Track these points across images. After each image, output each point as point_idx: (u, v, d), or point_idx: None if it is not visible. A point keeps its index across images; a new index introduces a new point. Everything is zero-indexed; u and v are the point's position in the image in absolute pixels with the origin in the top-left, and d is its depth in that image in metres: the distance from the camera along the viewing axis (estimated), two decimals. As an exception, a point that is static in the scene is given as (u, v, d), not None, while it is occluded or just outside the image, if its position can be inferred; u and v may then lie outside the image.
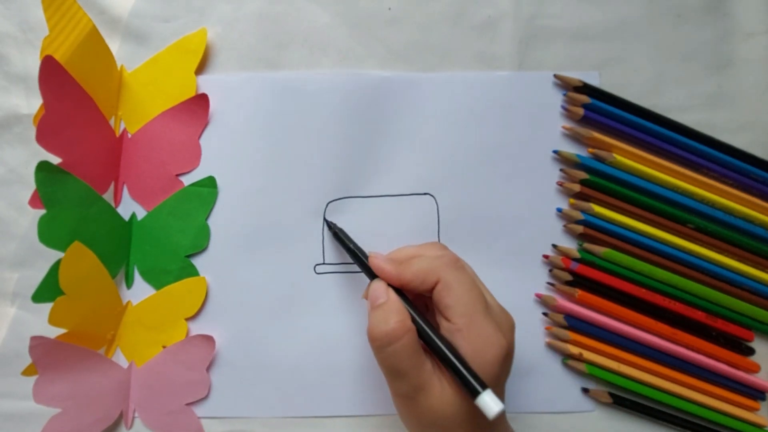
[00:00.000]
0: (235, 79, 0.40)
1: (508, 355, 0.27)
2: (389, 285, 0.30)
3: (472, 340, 0.27)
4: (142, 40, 0.40)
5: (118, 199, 0.38)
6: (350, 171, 0.39)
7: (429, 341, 0.28)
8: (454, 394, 0.27)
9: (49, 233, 0.32)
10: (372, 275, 0.31)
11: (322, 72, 0.40)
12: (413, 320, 0.28)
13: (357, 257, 0.33)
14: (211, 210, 0.38)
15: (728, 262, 0.38)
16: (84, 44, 0.35)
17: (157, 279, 0.37)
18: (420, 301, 0.31)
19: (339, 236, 0.35)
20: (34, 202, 0.32)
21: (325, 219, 0.37)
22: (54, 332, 0.33)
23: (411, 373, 0.27)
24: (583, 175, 0.38)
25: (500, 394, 0.29)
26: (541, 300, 0.38)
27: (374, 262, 0.31)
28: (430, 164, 0.39)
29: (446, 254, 0.30)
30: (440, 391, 0.27)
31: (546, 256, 0.38)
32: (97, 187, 0.36)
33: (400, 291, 0.30)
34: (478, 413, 0.26)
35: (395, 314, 0.28)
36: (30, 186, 0.32)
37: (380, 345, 0.28)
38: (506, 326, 0.29)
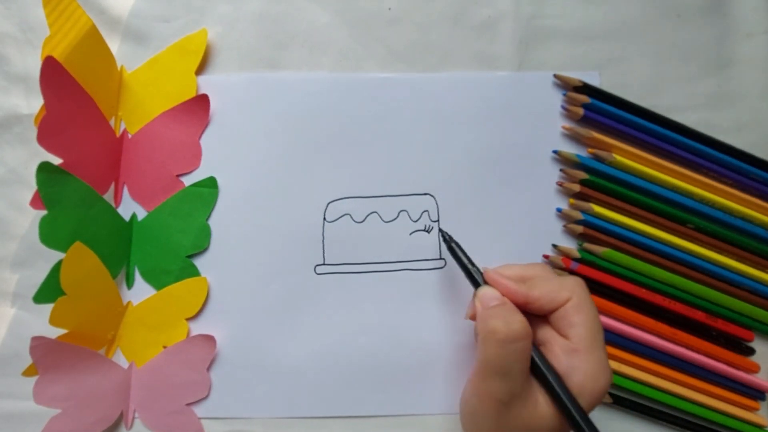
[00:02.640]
0: (235, 79, 0.40)
1: (607, 390, 0.28)
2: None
3: (590, 363, 0.27)
4: (142, 40, 0.40)
5: (119, 200, 0.38)
6: (350, 171, 0.39)
7: (536, 363, 0.28)
8: (550, 412, 0.27)
9: (50, 234, 0.32)
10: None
11: (322, 72, 0.40)
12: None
13: (470, 274, 0.32)
14: (212, 210, 0.38)
15: (728, 262, 0.38)
16: (84, 44, 0.35)
17: (158, 279, 0.37)
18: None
19: (454, 251, 0.34)
20: (35, 202, 0.32)
21: (440, 230, 0.36)
22: (54, 332, 0.33)
23: (518, 377, 0.27)
24: (583, 175, 0.38)
25: None
26: (541, 300, 0.38)
27: (495, 278, 0.30)
28: (430, 164, 0.39)
29: (576, 278, 0.30)
30: (536, 404, 0.27)
31: (546, 256, 0.38)
32: (98, 187, 0.36)
33: None
34: None
35: (519, 315, 0.28)
36: (30, 186, 0.32)
37: (503, 339, 0.27)
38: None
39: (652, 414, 0.37)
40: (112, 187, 0.38)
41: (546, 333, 0.29)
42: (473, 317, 0.31)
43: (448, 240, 0.34)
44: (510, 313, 0.28)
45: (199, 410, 0.36)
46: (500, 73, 0.40)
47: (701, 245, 0.38)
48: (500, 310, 0.29)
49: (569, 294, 0.29)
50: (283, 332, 0.37)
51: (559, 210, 0.38)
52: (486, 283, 0.31)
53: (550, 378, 0.27)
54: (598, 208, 0.37)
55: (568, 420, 0.27)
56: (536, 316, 0.30)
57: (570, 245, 0.38)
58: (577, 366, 0.27)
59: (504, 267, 0.32)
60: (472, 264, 0.33)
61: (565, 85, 0.39)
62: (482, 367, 0.28)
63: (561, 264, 0.37)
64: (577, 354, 0.27)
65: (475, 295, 0.31)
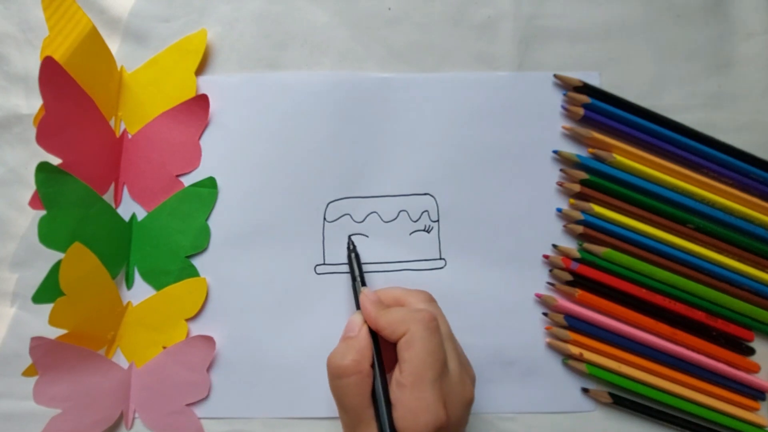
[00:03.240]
0: (235, 79, 0.40)
1: (442, 428, 0.27)
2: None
3: (411, 401, 0.27)
4: (142, 40, 0.40)
5: (119, 200, 0.38)
6: (350, 171, 0.39)
7: (374, 392, 0.29)
8: None
9: (50, 234, 0.32)
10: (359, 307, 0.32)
11: (322, 72, 0.40)
12: (374, 366, 0.29)
13: (354, 287, 0.34)
14: (212, 210, 0.38)
15: (728, 262, 0.38)
16: (84, 44, 0.35)
17: (158, 279, 0.37)
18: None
19: (351, 258, 0.36)
20: (34, 202, 0.32)
21: (350, 237, 0.37)
22: (54, 333, 0.33)
23: (352, 410, 0.29)
24: (583, 175, 0.38)
25: None
26: (541, 300, 0.38)
27: (362, 300, 0.32)
28: (430, 164, 0.39)
29: (425, 310, 0.30)
30: None
31: (546, 256, 0.38)
32: (98, 187, 0.36)
33: (376, 336, 0.31)
34: None
35: (355, 352, 0.29)
36: (30, 186, 0.32)
37: (331, 375, 0.29)
38: (457, 400, 0.29)
39: (652, 414, 0.37)
40: (112, 187, 0.38)
41: (396, 366, 0.30)
42: None
43: (350, 247, 0.36)
44: (348, 349, 0.30)
45: (199, 410, 0.36)
46: (500, 73, 0.40)
47: (701, 245, 0.38)
48: (343, 344, 0.30)
49: (405, 328, 0.29)
50: (283, 332, 0.37)
51: (559, 210, 0.38)
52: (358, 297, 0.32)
53: (380, 405, 0.28)
54: (598, 208, 0.37)
55: None
56: None
57: (570, 245, 0.38)
58: (400, 401, 0.28)
59: (389, 288, 0.33)
60: (362, 279, 0.34)
61: (565, 85, 0.39)
62: None
63: (561, 264, 0.37)
64: (403, 389, 0.28)
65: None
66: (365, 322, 0.31)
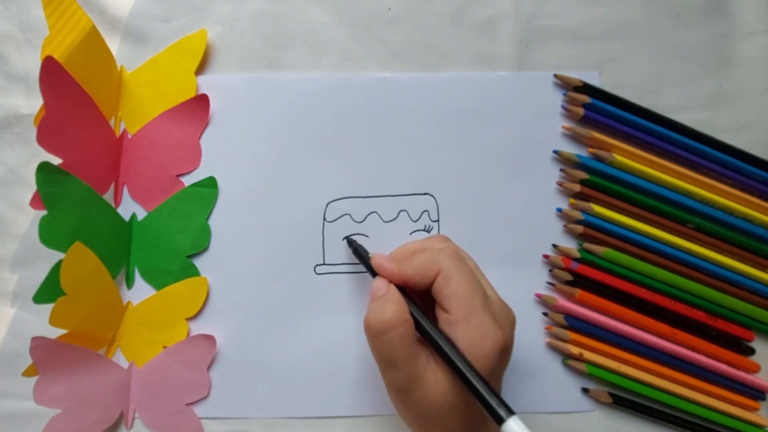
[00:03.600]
0: (235, 79, 0.40)
1: (504, 349, 0.27)
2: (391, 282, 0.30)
3: (469, 332, 0.27)
4: (142, 40, 0.40)
5: (119, 200, 0.38)
6: (350, 171, 0.39)
7: (427, 336, 0.28)
8: (448, 386, 0.27)
9: (50, 234, 0.32)
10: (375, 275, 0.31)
11: (322, 72, 0.40)
12: (411, 314, 0.29)
13: (362, 259, 0.33)
14: (212, 210, 0.38)
15: (728, 262, 0.38)
16: (84, 44, 0.35)
17: (158, 279, 0.37)
18: (426, 300, 0.31)
19: (356, 251, 0.35)
20: (35, 202, 0.32)
21: (348, 239, 0.37)
22: (54, 333, 0.33)
23: (405, 363, 0.27)
24: (583, 175, 0.38)
25: (497, 386, 0.29)
26: (541, 300, 0.38)
27: (375, 261, 0.31)
28: (430, 164, 0.39)
29: (448, 246, 0.30)
30: (434, 382, 0.27)
31: (546, 256, 0.38)
32: (98, 187, 0.36)
33: (403, 290, 0.30)
34: (471, 404, 0.26)
35: (393, 303, 0.28)
36: (30, 186, 0.32)
37: (375, 332, 0.28)
38: (505, 321, 0.29)
39: (652, 414, 0.37)
40: (112, 187, 0.38)
41: (437, 309, 0.29)
42: None
43: (353, 246, 0.35)
44: (382, 303, 0.28)
45: (199, 410, 0.36)
46: (500, 73, 0.40)
47: (701, 245, 0.38)
48: (377, 303, 0.29)
49: (438, 267, 0.29)
50: (283, 332, 0.37)
51: (559, 210, 0.38)
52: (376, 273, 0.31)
53: (442, 346, 0.27)
54: (598, 208, 0.37)
55: (465, 386, 0.26)
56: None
57: (570, 245, 0.38)
58: (458, 337, 0.27)
59: (401, 246, 0.33)
60: (365, 251, 0.34)
61: (565, 85, 0.39)
62: (376, 361, 0.29)
63: (561, 264, 0.37)
64: (456, 325, 0.27)
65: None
66: (383, 274, 0.30)
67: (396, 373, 0.28)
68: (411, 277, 0.29)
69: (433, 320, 0.29)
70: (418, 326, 0.28)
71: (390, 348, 0.28)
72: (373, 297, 0.30)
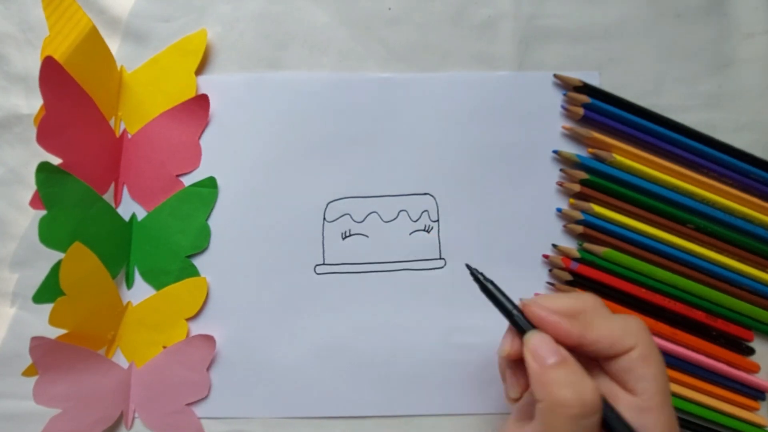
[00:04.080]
0: (235, 79, 0.40)
1: None
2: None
3: (662, 425, 0.24)
4: (142, 40, 0.40)
5: (119, 200, 0.38)
6: (350, 171, 0.39)
7: (615, 425, 0.24)
8: None
9: (50, 234, 0.32)
10: (521, 327, 0.27)
11: (322, 72, 0.40)
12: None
13: (507, 310, 0.28)
14: (212, 210, 0.38)
15: (728, 262, 0.38)
16: (84, 44, 0.35)
17: (158, 279, 0.37)
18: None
19: (488, 290, 0.29)
20: (34, 202, 0.32)
21: (468, 267, 0.30)
22: (54, 333, 0.33)
23: None
24: (583, 175, 0.38)
25: None
26: (541, 300, 0.38)
27: (543, 317, 0.26)
28: (430, 164, 0.39)
29: (638, 320, 0.26)
30: None
31: (546, 256, 0.38)
32: (98, 187, 0.36)
33: None
34: None
35: (590, 380, 0.24)
36: (30, 186, 0.32)
37: (578, 415, 0.23)
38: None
39: (652, 414, 0.37)
40: (112, 187, 0.38)
41: (604, 384, 0.25)
42: (511, 357, 0.27)
43: (481, 280, 0.29)
44: (579, 379, 0.24)
45: (199, 410, 0.36)
46: (500, 73, 0.40)
47: (701, 245, 0.38)
48: (565, 373, 0.24)
49: (635, 341, 0.25)
50: (283, 332, 0.37)
51: (559, 210, 0.38)
52: (530, 324, 0.26)
53: None
54: (598, 208, 0.37)
55: None
56: (588, 358, 0.26)
57: (570, 245, 0.38)
58: (649, 427, 0.24)
59: (546, 297, 0.28)
60: (509, 300, 0.28)
61: (565, 85, 0.39)
62: None
63: (561, 264, 0.37)
64: (650, 413, 0.24)
65: (522, 340, 0.26)
66: (552, 333, 0.25)
67: None
68: (594, 341, 0.25)
69: None
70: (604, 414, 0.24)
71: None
72: (544, 362, 0.24)
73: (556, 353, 0.24)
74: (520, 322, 0.27)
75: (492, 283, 0.29)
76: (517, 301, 0.28)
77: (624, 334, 0.25)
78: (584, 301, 0.27)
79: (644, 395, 0.24)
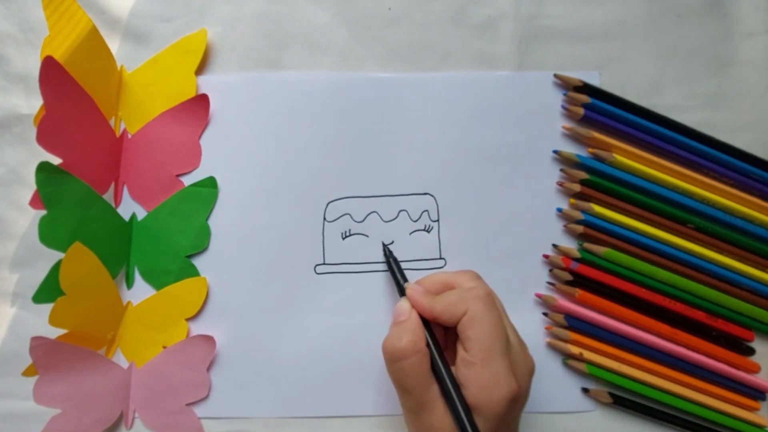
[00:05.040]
0: (235, 79, 0.40)
1: (516, 399, 0.28)
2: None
3: (483, 377, 0.27)
4: (142, 40, 0.40)
5: (119, 200, 0.38)
6: (350, 171, 0.39)
7: (437, 374, 0.29)
8: (451, 422, 0.28)
9: (50, 234, 0.32)
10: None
11: (322, 72, 0.40)
12: (429, 345, 0.29)
13: (395, 275, 0.35)
14: (212, 210, 0.38)
15: (728, 262, 0.38)
16: (84, 44, 0.35)
17: (158, 279, 0.37)
18: (449, 331, 0.32)
19: (390, 263, 0.36)
20: (34, 202, 0.32)
21: (383, 243, 0.38)
22: (54, 332, 0.33)
23: (415, 391, 0.29)
24: (583, 175, 0.38)
25: None
26: (541, 300, 0.38)
27: (410, 293, 0.32)
28: (430, 164, 0.39)
29: (479, 285, 0.31)
30: (443, 413, 0.28)
31: (546, 256, 0.38)
32: (98, 187, 0.36)
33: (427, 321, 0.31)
34: None
35: (410, 333, 0.29)
36: (30, 186, 0.32)
37: (389, 359, 0.29)
38: (523, 370, 0.29)
39: (652, 414, 0.37)
40: (112, 187, 0.38)
41: (458, 345, 0.30)
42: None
43: (387, 254, 0.36)
44: (400, 332, 0.29)
45: (199, 410, 0.36)
46: (500, 73, 0.40)
47: (701, 245, 0.38)
48: (396, 328, 0.30)
49: (465, 308, 0.29)
50: (283, 332, 0.37)
51: (559, 210, 0.38)
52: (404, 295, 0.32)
53: (448, 387, 0.28)
54: (598, 208, 0.37)
55: (458, 428, 0.27)
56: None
57: (570, 245, 0.38)
58: (472, 379, 0.28)
59: (432, 275, 0.33)
60: (403, 276, 0.34)
61: (566, 85, 0.39)
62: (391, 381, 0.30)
63: (561, 264, 0.37)
64: (472, 367, 0.28)
65: None
66: (413, 307, 0.31)
67: (407, 398, 0.29)
68: (440, 314, 0.30)
69: (453, 354, 0.30)
70: (432, 363, 0.29)
71: (402, 375, 0.29)
72: (395, 320, 0.31)
73: (402, 315, 0.31)
74: (400, 293, 0.33)
75: (396, 261, 0.35)
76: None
77: (458, 304, 0.29)
78: (458, 277, 0.32)
79: (470, 352, 0.28)
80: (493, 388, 0.27)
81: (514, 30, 0.40)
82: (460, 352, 0.29)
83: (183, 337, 0.37)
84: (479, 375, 0.28)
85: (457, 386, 0.28)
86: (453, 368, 0.29)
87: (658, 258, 0.37)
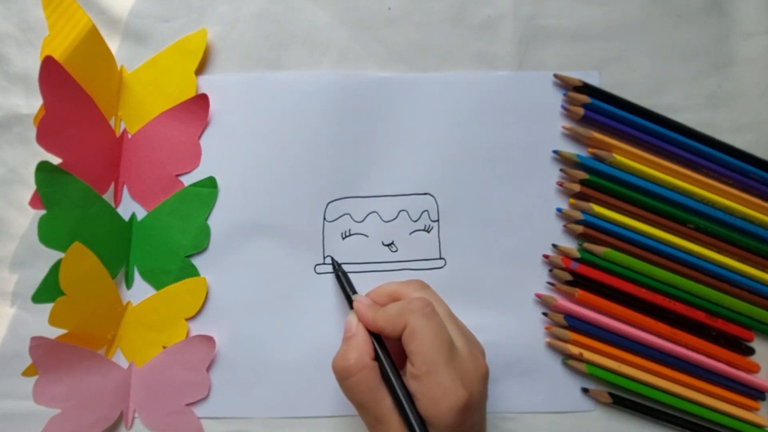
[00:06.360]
0: (235, 79, 0.40)
1: (467, 407, 0.27)
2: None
3: (430, 389, 0.27)
4: (142, 40, 0.40)
5: (118, 200, 0.38)
6: (350, 171, 0.39)
7: (388, 384, 0.29)
8: None
9: (50, 233, 0.32)
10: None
11: (322, 72, 0.40)
12: (378, 358, 0.30)
13: (347, 296, 0.35)
14: (212, 210, 0.38)
15: (728, 262, 0.38)
16: (84, 44, 0.35)
17: (157, 279, 0.37)
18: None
19: (339, 276, 0.36)
20: (34, 202, 0.32)
21: (331, 257, 0.38)
22: (54, 333, 0.33)
23: (368, 406, 0.29)
24: (583, 175, 0.38)
25: None
26: (541, 300, 0.38)
27: (356, 306, 0.32)
28: (430, 164, 0.39)
29: (418, 299, 0.30)
30: (397, 426, 0.28)
31: (546, 256, 0.38)
32: (97, 187, 0.36)
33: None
34: None
35: (355, 351, 0.30)
36: (30, 186, 0.32)
37: (338, 377, 0.30)
38: (473, 376, 0.29)
39: (652, 414, 0.37)
40: (112, 187, 0.38)
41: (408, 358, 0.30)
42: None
43: (335, 267, 0.37)
44: (349, 349, 0.30)
45: (199, 410, 0.36)
46: (500, 73, 0.40)
47: (701, 245, 0.38)
48: (344, 345, 0.31)
49: (404, 321, 0.29)
50: (283, 332, 0.37)
51: (559, 210, 0.38)
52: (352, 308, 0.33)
53: (400, 400, 0.28)
54: (598, 208, 0.37)
55: None
56: None
57: (570, 245, 0.38)
58: (420, 391, 0.28)
59: (382, 286, 0.33)
60: (352, 289, 0.35)
61: (565, 85, 0.39)
62: None
63: (561, 264, 0.37)
64: (418, 379, 0.28)
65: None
66: (360, 320, 0.31)
67: (363, 413, 0.30)
68: (383, 327, 0.30)
69: (402, 367, 0.30)
70: (382, 373, 0.29)
71: (351, 392, 0.29)
72: (344, 336, 0.31)
73: (350, 330, 0.31)
74: (349, 305, 0.33)
75: (344, 274, 0.36)
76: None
77: (398, 317, 0.29)
78: (406, 287, 0.32)
79: (415, 365, 0.28)
80: (440, 399, 0.27)
81: (514, 30, 0.40)
82: (408, 365, 0.29)
83: (183, 337, 0.37)
84: (426, 387, 0.27)
85: (409, 398, 0.28)
86: (405, 379, 0.29)
87: (658, 258, 0.37)
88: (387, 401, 0.29)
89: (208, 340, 0.36)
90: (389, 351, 0.30)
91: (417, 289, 0.32)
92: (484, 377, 0.30)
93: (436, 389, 0.27)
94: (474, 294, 0.38)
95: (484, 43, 0.40)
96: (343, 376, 0.29)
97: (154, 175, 0.38)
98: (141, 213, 0.38)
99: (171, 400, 0.36)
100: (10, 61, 0.40)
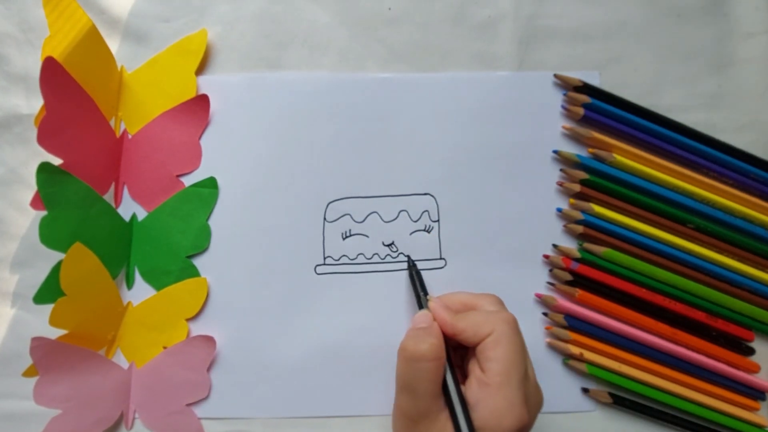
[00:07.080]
0: (235, 79, 0.40)
1: (523, 429, 0.27)
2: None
3: (496, 400, 0.27)
4: (142, 40, 0.40)
5: (119, 200, 0.38)
6: (350, 171, 0.39)
7: (447, 388, 0.29)
8: None
9: (50, 234, 0.32)
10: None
11: (322, 72, 0.40)
12: (447, 357, 0.29)
13: (416, 288, 0.35)
14: (212, 210, 0.38)
15: (728, 262, 0.38)
16: (84, 44, 0.35)
17: (158, 279, 0.37)
18: (456, 354, 0.32)
19: (411, 274, 0.36)
20: (35, 203, 0.32)
21: (408, 256, 0.38)
22: (54, 333, 0.33)
23: (424, 397, 0.28)
24: (583, 175, 0.38)
25: None
26: (541, 300, 0.38)
27: (434, 308, 0.32)
28: (430, 164, 0.39)
29: (505, 311, 0.31)
30: (443, 427, 0.28)
31: (546, 256, 0.38)
32: (98, 187, 0.36)
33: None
34: None
35: (434, 338, 0.29)
36: (30, 186, 0.32)
37: (408, 357, 0.29)
38: (534, 404, 0.29)
39: (652, 414, 0.37)
40: (112, 187, 0.38)
41: (472, 365, 0.30)
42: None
43: (410, 266, 0.37)
44: (424, 335, 0.29)
45: (199, 410, 0.36)
46: (500, 73, 0.40)
47: (701, 245, 0.38)
48: (417, 331, 0.30)
49: (491, 328, 0.29)
50: (283, 332, 0.37)
51: (559, 210, 0.38)
52: (425, 307, 0.33)
53: (455, 404, 0.28)
54: (598, 208, 0.37)
55: None
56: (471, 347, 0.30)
57: (570, 245, 0.38)
58: (484, 400, 0.27)
59: (453, 294, 0.34)
60: (423, 289, 0.35)
61: (566, 85, 0.39)
62: (396, 382, 0.30)
63: (561, 264, 0.37)
64: (487, 388, 0.28)
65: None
66: (434, 319, 0.31)
67: (409, 401, 0.29)
68: (461, 331, 0.30)
69: (460, 375, 0.30)
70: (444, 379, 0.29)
71: (416, 376, 0.28)
72: (415, 326, 0.31)
73: (423, 321, 0.31)
74: (422, 306, 0.34)
75: (418, 273, 0.36)
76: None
77: (484, 324, 0.30)
78: (480, 299, 0.32)
79: (488, 373, 0.28)
80: (505, 413, 0.27)
81: (514, 30, 0.40)
82: (476, 372, 0.29)
83: (183, 337, 0.37)
84: (492, 397, 0.27)
85: (465, 405, 0.28)
86: (463, 387, 0.29)
87: (658, 258, 0.37)
88: (441, 400, 0.28)
89: (209, 340, 0.36)
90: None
91: (494, 303, 0.32)
92: (540, 408, 0.30)
93: (502, 402, 0.27)
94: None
95: (484, 43, 0.40)
96: (416, 358, 0.28)
97: (155, 175, 0.38)
98: (141, 213, 0.38)
99: (171, 400, 0.36)
100: (10, 61, 0.40)
